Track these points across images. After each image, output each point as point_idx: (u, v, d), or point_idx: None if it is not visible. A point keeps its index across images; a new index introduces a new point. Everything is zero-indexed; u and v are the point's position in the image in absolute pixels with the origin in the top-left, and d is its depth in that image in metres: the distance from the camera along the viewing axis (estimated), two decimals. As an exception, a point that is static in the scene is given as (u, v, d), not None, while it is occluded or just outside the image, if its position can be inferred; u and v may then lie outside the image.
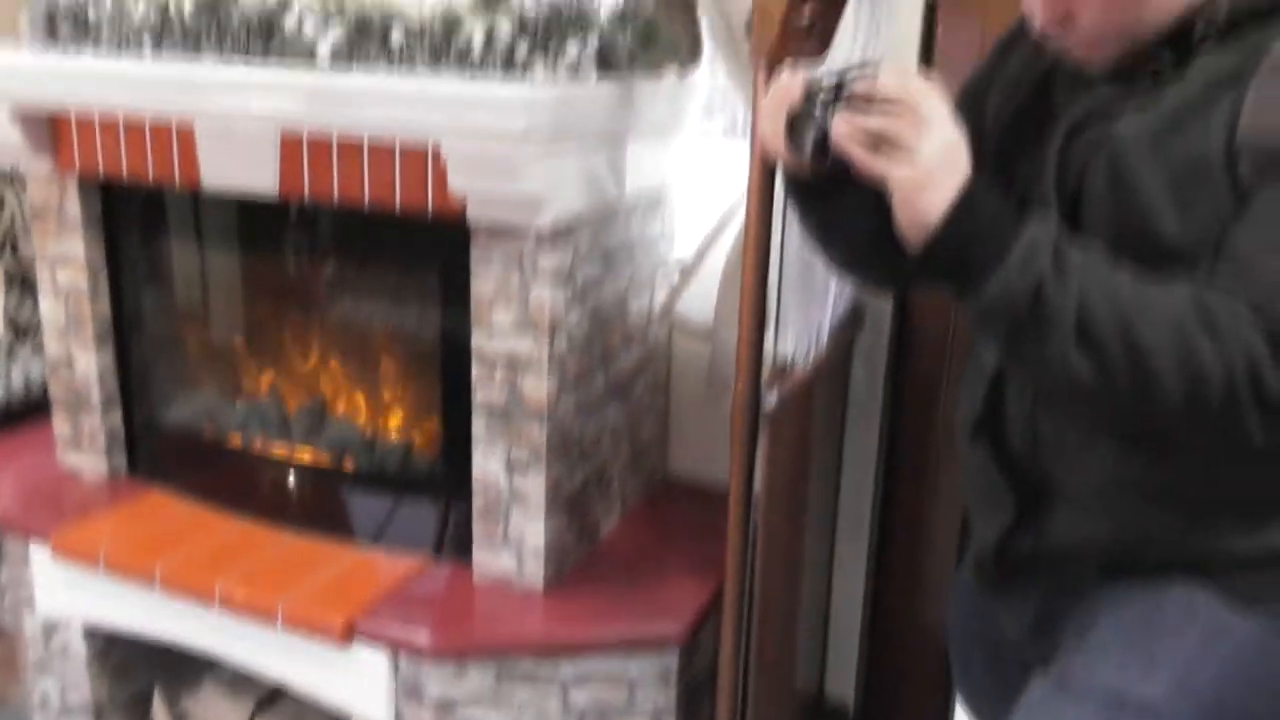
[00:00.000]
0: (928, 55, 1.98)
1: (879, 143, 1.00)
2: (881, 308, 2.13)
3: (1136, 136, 1.01)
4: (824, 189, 1.18)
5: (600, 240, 1.91)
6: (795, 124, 1.09)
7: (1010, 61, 1.26)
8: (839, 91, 1.05)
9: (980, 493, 1.26)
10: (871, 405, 2.19)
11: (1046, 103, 1.17)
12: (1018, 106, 1.22)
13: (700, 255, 2.20)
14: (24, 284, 2.93)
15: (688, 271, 2.22)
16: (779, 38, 1.34)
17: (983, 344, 1.24)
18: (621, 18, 1.84)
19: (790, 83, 1.12)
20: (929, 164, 0.98)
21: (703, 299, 2.18)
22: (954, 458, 2.11)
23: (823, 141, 1.06)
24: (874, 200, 1.05)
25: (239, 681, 2.23)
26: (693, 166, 2.20)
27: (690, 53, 2.05)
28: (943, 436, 2.12)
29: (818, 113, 1.06)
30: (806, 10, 1.32)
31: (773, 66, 1.37)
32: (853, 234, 1.25)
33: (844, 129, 1.02)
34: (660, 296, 2.19)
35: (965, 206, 0.99)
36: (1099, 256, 0.97)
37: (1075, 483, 1.14)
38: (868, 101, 1.01)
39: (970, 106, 1.25)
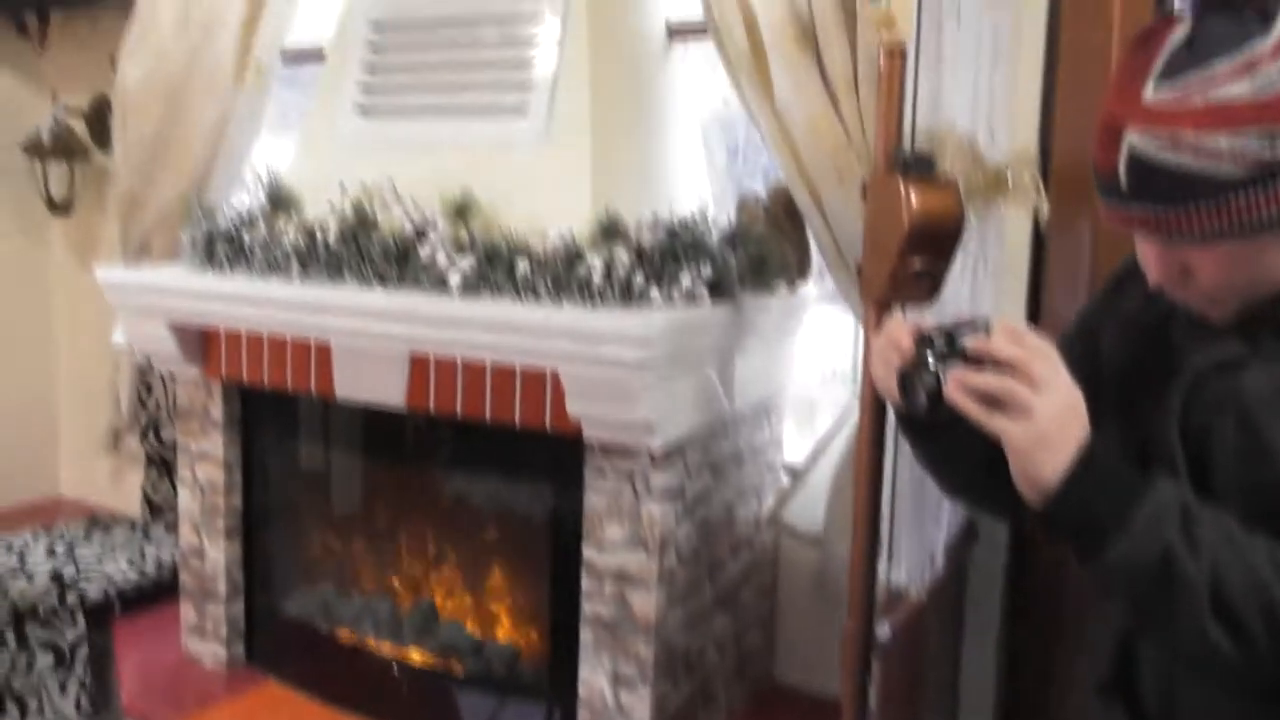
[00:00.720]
0: (1036, 279, 1.97)
1: (993, 401, 1.01)
2: (996, 523, 2.08)
3: (1265, 393, 0.98)
4: (936, 429, 1.18)
5: (710, 453, 1.94)
6: (907, 376, 1.10)
7: (1125, 297, 1.23)
8: (951, 346, 1.07)
9: None
10: (989, 619, 2.12)
11: (1166, 347, 1.14)
12: (1135, 349, 1.19)
13: (811, 461, 2.20)
14: (162, 465, 3.11)
15: (798, 477, 2.22)
16: (889, 283, 1.38)
17: (1109, 600, 1.20)
18: (733, 241, 1.93)
19: (901, 332, 1.14)
20: (1046, 425, 0.97)
21: (814, 504, 2.17)
22: (1078, 674, 2.03)
23: (936, 395, 1.07)
24: (985, 439, 1.05)
25: None
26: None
27: (800, 268, 2.11)
28: (1065, 652, 2.03)
29: (930, 366, 1.07)
30: (917, 260, 1.36)
31: (882, 310, 1.40)
32: (966, 470, 1.23)
33: (957, 386, 1.02)
34: (769, 502, 2.19)
35: (1084, 470, 0.96)
36: (1231, 521, 0.94)
37: None
38: (981, 358, 1.03)
39: (1085, 342, 1.24)
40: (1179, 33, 0.96)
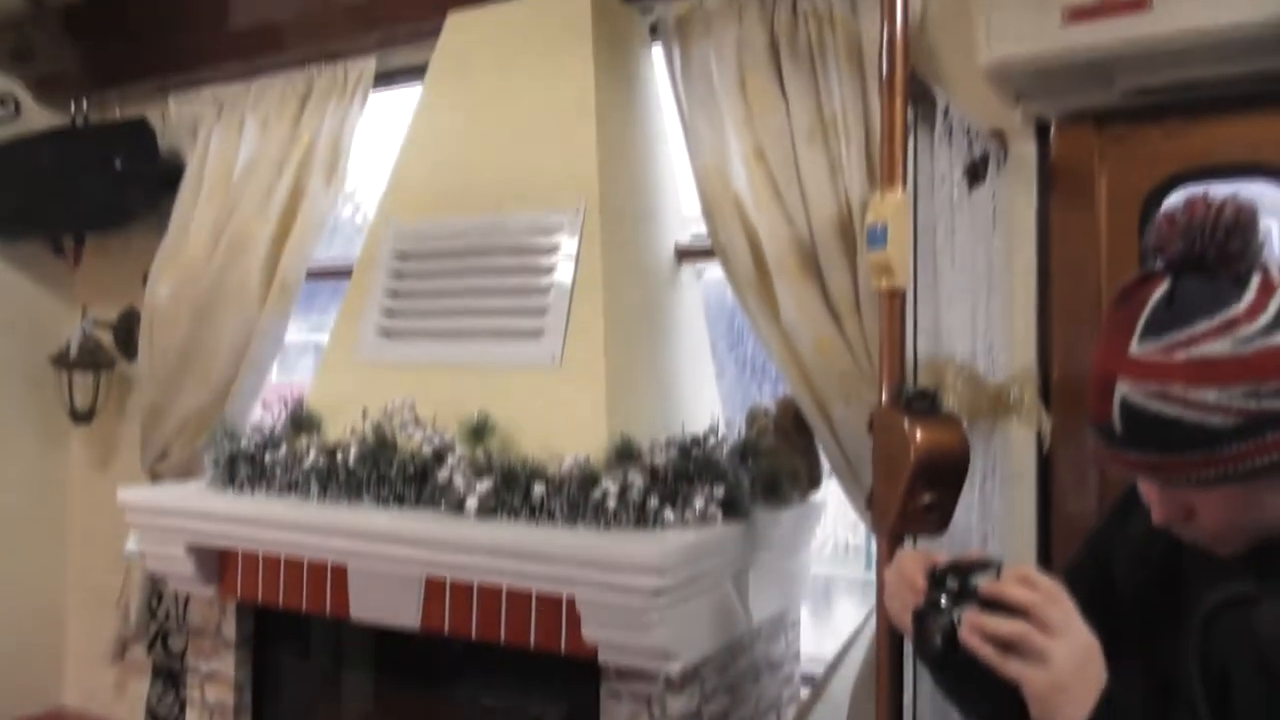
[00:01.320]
0: (1045, 491, 2.00)
1: (1008, 645, 1.01)
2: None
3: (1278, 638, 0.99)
4: (955, 667, 1.18)
5: (727, 673, 1.93)
6: (922, 617, 1.11)
7: (1133, 523, 1.24)
8: (964, 586, 1.08)
9: None
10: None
11: (1178, 578, 1.16)
12: (1148, 580, 1.19)
13: (829, 675, 2.17)
14: (169, 676, 3.06)
15: (816, 692, 2.18)
16: (898, 517, 1.41)
17: None
18: (744, 455, 1.97)
19: (914, 569, 1.15)
20: (1063, 672, 0.98)
21: (834, 715, 2.13)
22: None
23: (951, 637, 1.07)
24: (1009, 685, 1.05)
25: None
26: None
27: (810, 478, 2.14)
28: None
29: (944, 607, 1.08)
30: (925, 494, 1.39)
31: (894, 543, 1.43)
32: (987, 704, 1.22)
33: (972, 632, 1.03)
34: (788, 717, 2.15)
35: (1106, 718, 0.98)
36: None
37: None
38: (995, 601, 1.04)
39: (1097, 569, 1.25)
40: (1159, 291, 1.01)
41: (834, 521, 2.39)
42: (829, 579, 2.51)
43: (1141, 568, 1.22)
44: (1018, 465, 1.99)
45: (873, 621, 1.99)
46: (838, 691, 2.15)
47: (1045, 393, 1.95)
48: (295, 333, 3.92)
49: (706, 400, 2.29)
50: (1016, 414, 1.78)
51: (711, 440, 1.93)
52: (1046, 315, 2.01)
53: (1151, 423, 0.99)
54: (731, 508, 1.86)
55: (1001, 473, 1.93)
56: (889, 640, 1.46)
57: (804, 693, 2.21)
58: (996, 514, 1.90)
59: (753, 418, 2.16)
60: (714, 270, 2.31)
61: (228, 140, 2.94)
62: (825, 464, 2.14)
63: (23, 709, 3.46)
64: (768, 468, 1.97)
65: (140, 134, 3.11)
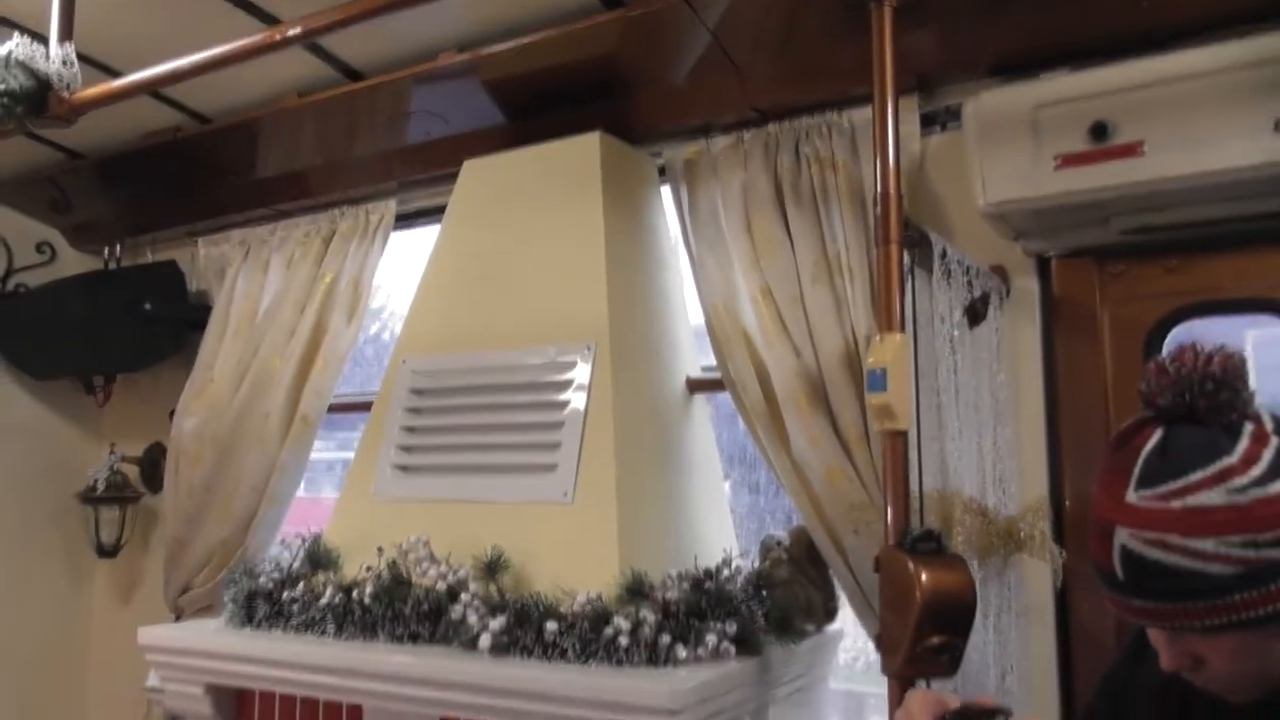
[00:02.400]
0: (1064, 629, 1.98)
1: None
2: None
3: None
4: None
5: (745, 813, 1.89)
6: None
7: (1147, 663, 1.24)
8: None
9: None
10: None
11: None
12: None
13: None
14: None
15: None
16: (906, 660, 1.41)
17: None
18: (757, 587, 1.97)
19: (921, 714, 1.16)
20: None
21: None
22: None
23: None
24: None
25: None
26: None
27: (825, 610, 2.14)
28: None
29: None
30: (934, 638, 1.40)
31: (903, 686, 1.43)
32: None
33: None
34: None
35: None
36: None
37: None
38: None
39: (1111, 706, 1.25)
40: (1153, 440, 1.04)
41: (864, 637, 2.37)
42: (862, 696, 2.47)
43: (1158, 713, 1.22)
44: (1034, 599, 1.98)
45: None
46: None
47: (1058, 525, 1.95)
48: (322, 450, 3.99)
49: (720, 530, 2.30)
50: (1029, 548, 1.79)
51: (725, 573, 1.94)
52: (1056, 448, 2.02)
53: (1152, 570, 1.00)
54: (745, 643, 1.86)
55: (1017, 607, 1.93)
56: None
57: (827, 834, 2.16)
58: (1014, 649, 1.89)
59: (766, 549, 2.17)
60: (726, 400, 2.36)
61: (253, 280, 3.05)
62: (841, 593, 2.14)
63: None
64: (781, 602, 1.98)
65: (170, 276, 3.24)
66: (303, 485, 4.12)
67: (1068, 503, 1.98)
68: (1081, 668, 1.97)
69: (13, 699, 3.40)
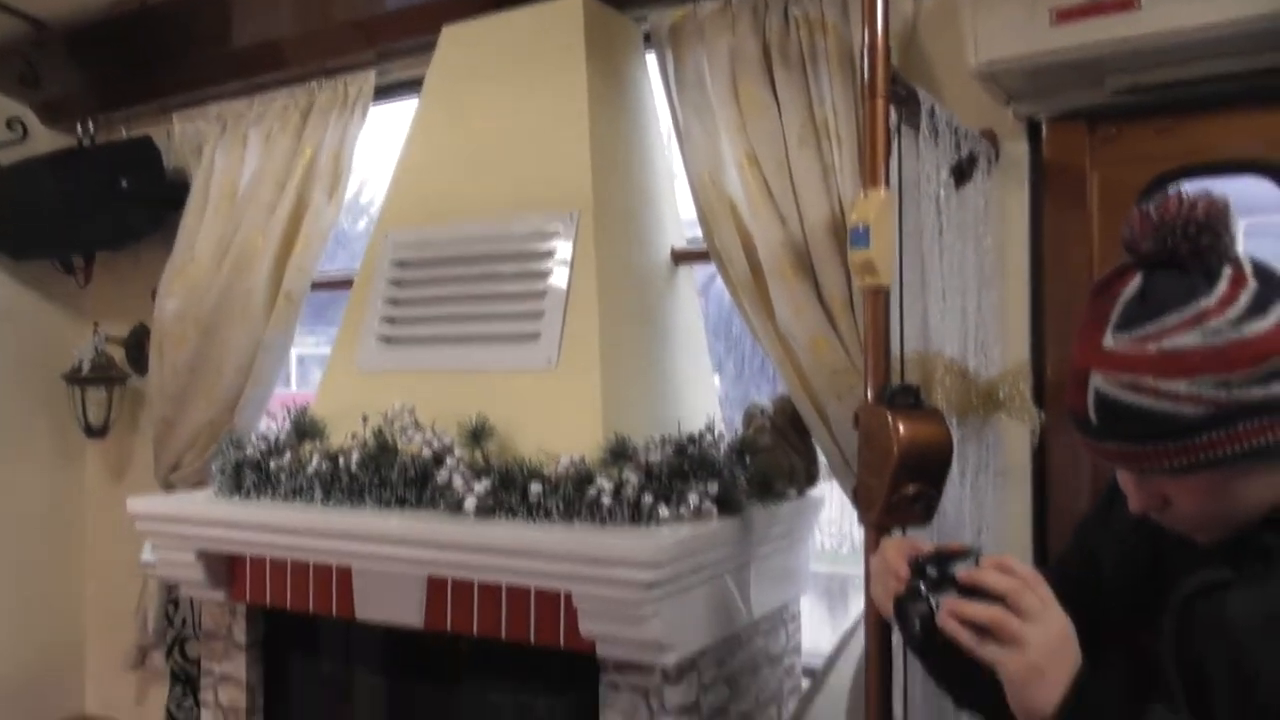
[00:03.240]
0: (1040, 484, 2.02)
1: (985, 630, 1.04)
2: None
3: (1251, 624, 1.01)
4: (939, 653, 1.20)
5: (726, 665, 1.96)
6: (902, 604, 1.14)
7: (1117, 513, 1.27)
8: (944, 574, 1.11)
9: None
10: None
11: (1157, 564, 1.17)
12: (1130, 566, 1.22)
13: (828, 668, 2.20)
14: (187, 682, 3.11)
15: (817, 681, 2.21)
16: (883, 510, 1.44)
17: None
18: (740, 454, 2.00)
19: (896, 555, 1.18)
20: (1037, 655, 1.00)
21: (834, 706, 2.15)
22: None
23: (929, 623, 1.10)
24: (985, 666, 1.08)
25: None
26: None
27: (808, 475, 2.17)
28: None
29: (923, 595, 1.11)
30: (909, 486, 1.42)
31: (880, 533, 1.46)
32: (972, 687, 1.25)
33: (949, 617, 1.06)
34: (789, 708, 2.18)
35: (1077, 702, 0.99)
36: None
37: None
38: (972, 588, 1.07)
39: (1084, 562, 1.28)
40: (1132, 285, 1.04)
41: (849, 522, 2.43)
42: (845, 578, 2.54)
43: (1126, 557, 1.25)
44: (1011, 460, 2.01)
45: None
46: (838, 682, 2.18)
47: (1039, 389, 1.97)
48: (315, 347, 3.98)
49: (704, 401, 2.32)
50: (1009, 409, 1.80)
51: (708, 439, 1.96)
52: (1039, 312, 2.03)
53: (1124, 413, 1.01)
54: (727, 504, 1.89)
55: (994, 468, 1.96)
56: (876, 627, 1.49)
57: (805, 685, 2.23)
58: (989, 509, 1.92)
59: (749, 417, 2.19)
60: (712, 273, 2.35)
61: (232, 156, 2.99)
62: (823, 461, 2.17)
63: (46, 717, 3.52)
64: (763, 465, 2.00)
65: (145, 153, 3.16)
66: (294, 380, 4.14)
67: (1049, 367, 2.00)
68: (1055, 528, 2.02)
69: (12, 576, 3.47)
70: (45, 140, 3.44)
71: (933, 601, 1.10)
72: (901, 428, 1.40)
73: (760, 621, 2.09)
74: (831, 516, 2.28)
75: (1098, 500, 1.36)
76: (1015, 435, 1.99)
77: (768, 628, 2.13)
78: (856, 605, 2.52)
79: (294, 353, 3.62)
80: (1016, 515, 2.01)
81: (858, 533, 2.46)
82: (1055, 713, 1.00)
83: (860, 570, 2.21)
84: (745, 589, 1.98)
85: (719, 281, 2.25)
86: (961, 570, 1.10)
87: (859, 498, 1.51)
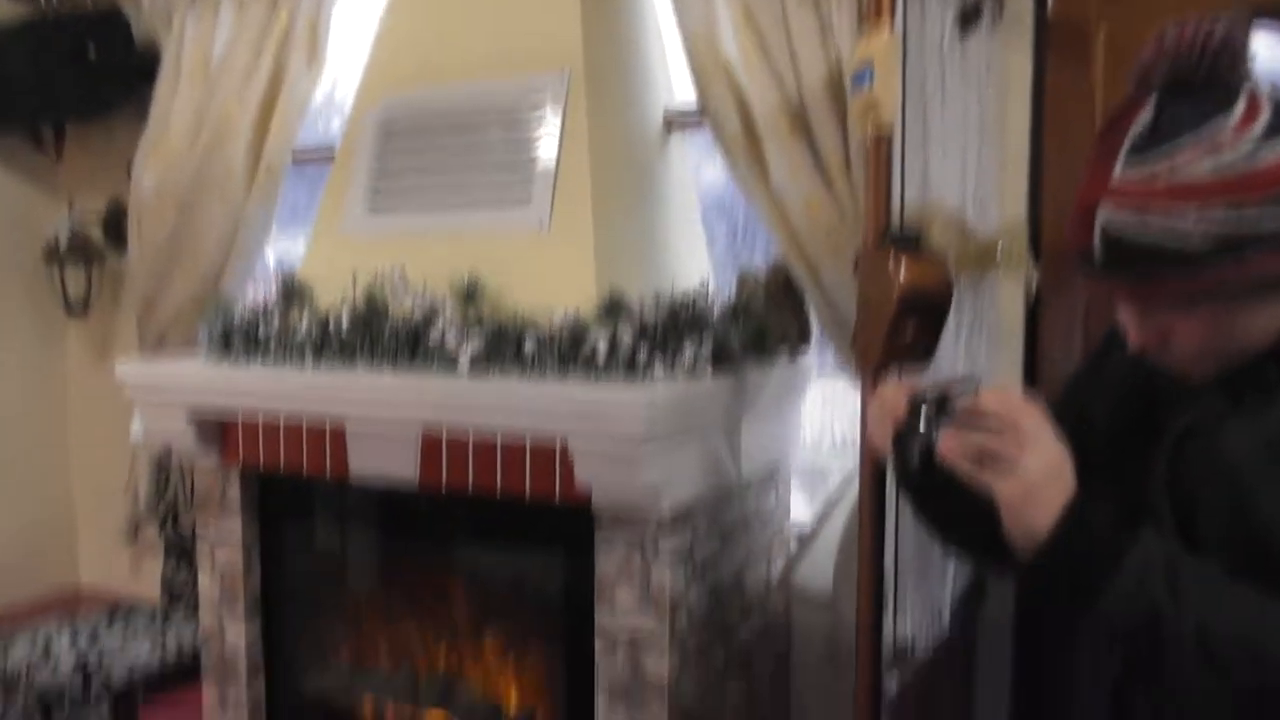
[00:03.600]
0: (1031, 343, 2.04)
1: (983, 457, 1.06)
2: (1003, 580, 2.11)
3: (1249, 452, 1.02)
4: (933, 490, 1.23)
5: (718, 519, 1.99)
6: (901, 436, 1.15)
7: (1110, 364, 1.27)
8: (942, 406, 1.13)
9: None
10: (999, 679, 2.14)
11: (1151, 408, 1.18)
12: (1122, 412, 1.22)
13: (818, 525, 2.25)
14: (181, 553, 3.14)
15: (806, 541, 2.26)
16: (883, 350, 1.45)
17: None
18: (733, 315, 2.00)
19: (895, 395, 1.20)
20: (1033, 480, 1.02)
21: (822, 568, 2.21)
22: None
23: (928, 454, 1.12)
24: (984, 502, 1.10)
25: None
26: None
27: (800, 338, 2.18)
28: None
29: (922, 427, 1.12)
30: (910, 327, 1.43)
31: (878, 375, 1.47)
32: (964, 529, 1.28)
33: (948, 444, 1.07)
34: (778, 567, 2.23)
35: (1071, 523, 1.01)
36: (1216, 572, 0.98)
37: None
38: (971, 417, 1.09)
39: (1072, 409, 1.29)
40: (1145, 115, 1.02)
41: (831, 417, 2.46)
42: (825, 471, 2.57)
43: (1117, 405, 1.25)
44: (1004, 319, 2.02)
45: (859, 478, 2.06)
46: (826, 543, 2.24)
47: (1035, 249, 1.97)
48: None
49: (696, 266, 2.31)
50: (1005, 266, 1.80)
51: (701, 300, 1.96)
52: (1038, 171, 2.01)
53: (1132, 245, 1.00)
54: (720, 362, 1.90)
55: (987, 327, 1.97)
56: (871, 474, 1.52)
57: (794, 547, 2.29)
58: (982, 369, 1.94)
59: (742, 281, 2.19)
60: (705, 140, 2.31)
61: (203, 25, 2.88)
62: (816, 326, 2.18)
63: (41, 591, 3.57)
64: (756, 325, 2.01)
65: (113, 23, 3.05)
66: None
67: (1045, 226, 1.99)
68: (1046, 391, 2.03)
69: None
70: (6, 10, 3.30)
71: (932, 434, 1.11)
72: (903, 270, 1.41)
73: (751, 481, 2.13)
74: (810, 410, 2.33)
75: (1090, 355, 1.36)
76: (1009, 296, 2.00)
77: (759, 488, 2.17)
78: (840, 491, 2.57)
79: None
80: (1008, 376, 2.03)
81: (839, 429, 2.51)
82: (1049, 534, 1.02)
83: (843, 465, 2.26)
84: (736, 447, 2.00)
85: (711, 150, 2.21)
86: (960, 402, 1.11)
87: (857, 344, 1.52)
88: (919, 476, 1.16)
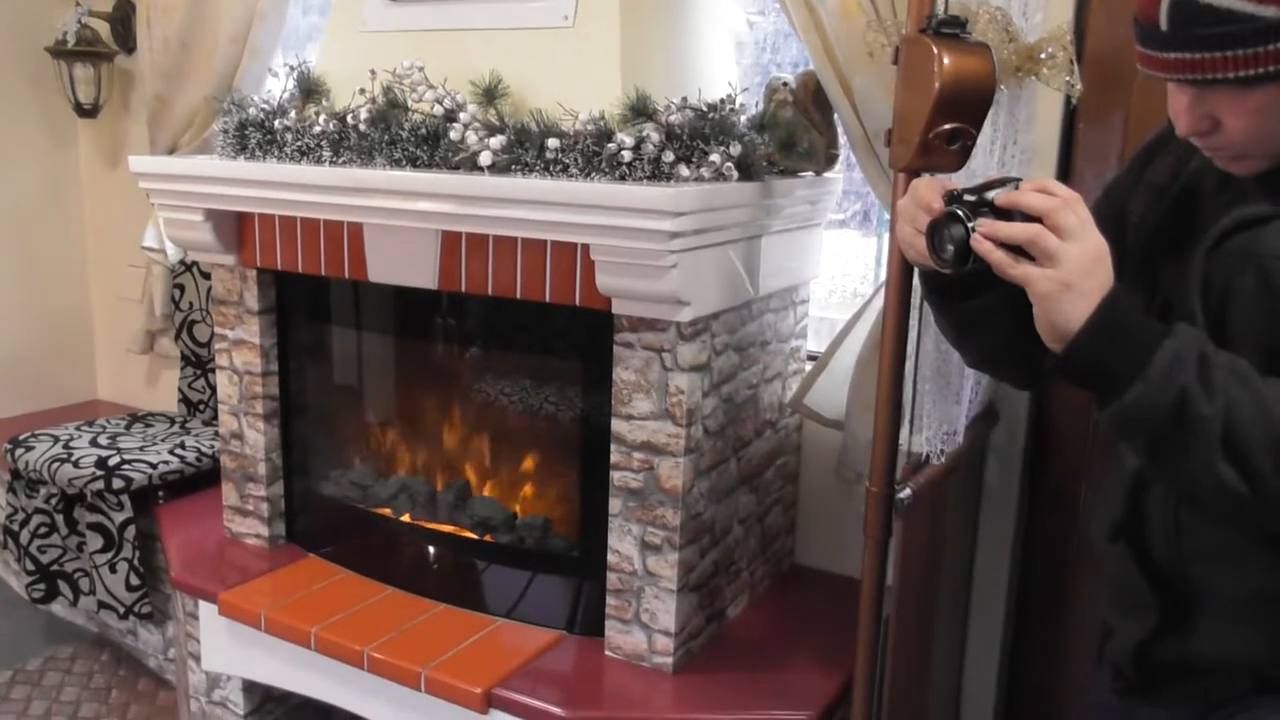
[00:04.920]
0: (1066, 163, 1.99)
1: (1020, 251, 1.04)
2: (1017, 405, 2.12)
3: None
4: (962, 291, 1.21)
5: (736, 334, 1.99)
6: (936, 229, 1.12)
7: (1153, 168, 1.25)
8: (980, 200, 1.10)
9: (1119, 596, 1.25)
10: (1006, 501, 2.18)
11: (1191, 211, 1.17)
12: (1162, 214, 1.21)
13: (834, 348, 2.24)
14: (197, 363, 3.17)
15: (821, 363, 2.26)
16: (918, 150, 1.40)
17: (1123, 447, 1.24)
18: (761, 126, 1.94)
19: (930, 190, 1.17)
20: (1071, 272, 1.00)
21: (835, 391, 2.22)
22: (1093, 555, 2.09)
23: (963, 247, 1.10)
24: (1011, 303, 1.08)
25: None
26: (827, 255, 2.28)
27: (827, 155, 2.12)
28: (1081, 534, 2.09)
29: (959, 217, 1.10)
30: (947, 124, 1.37)
31: (911, 177, 1.42)
32: (990, 334, 1.27)
33: (986, 236, 1.06)
34: (793, 388, 2.24)
35: (1107, 316, 1.00)
36: (1246, 367, 0.98)
37: (1222, 591, 1.12)
38: (1009, 211, 1.06)
39: (1110, 211, 1.26)
40: None
41: (843, 270, 2.42)
42: (834, 323, 2.54)
43: (1157, 209, 1.23)
44: (1040, 138, 1.96)
45: (878, 298, 2.04)
46: (840, 367, 2.24)
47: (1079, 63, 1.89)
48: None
49: (724, 74, 2.23)
50: (1049, 72, 1.72)
51: (729, 107, 1.89)
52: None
53: (1201, 15, 0.96)
54: (746, 171, 1.85)
55: (1023, 145, 1.91)
56: (898, 280, 1.49)
57: (809, 367, 2.29)
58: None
59: (771, 90, 2.11)
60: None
61: None
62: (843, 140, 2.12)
63: (59, 402, 3.63)
64: (784, 134, 1.95)
65: None
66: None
67: (1089, 40, 1.91)
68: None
69: (15, 258, 3.46)
70: None
71: (968, 226, 1.09)
72: (946, 58, 1.34)
73: (771, 299, 2.11)
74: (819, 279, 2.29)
75: (1132, 159, 1.33)
76: (1046, 111, 1.94)
77: (779, 306, 2.16)
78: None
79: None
80: (1039, 195, 1.98)
81: (851, 284, 2.47)
82: (1083, 328, 1.01)
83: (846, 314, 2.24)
84: (757, 263, 1.98)
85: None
86: (1001, 197, 1.08)
87: (892, 138, 1.46)
88: (950, 271, 1.13)
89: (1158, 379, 0.98)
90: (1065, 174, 2.00)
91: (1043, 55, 1.71)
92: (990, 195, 1.09)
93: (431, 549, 2.28)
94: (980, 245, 1.07)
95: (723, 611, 2.11)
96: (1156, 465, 1.05)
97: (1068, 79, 1.71)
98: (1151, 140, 1.30)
